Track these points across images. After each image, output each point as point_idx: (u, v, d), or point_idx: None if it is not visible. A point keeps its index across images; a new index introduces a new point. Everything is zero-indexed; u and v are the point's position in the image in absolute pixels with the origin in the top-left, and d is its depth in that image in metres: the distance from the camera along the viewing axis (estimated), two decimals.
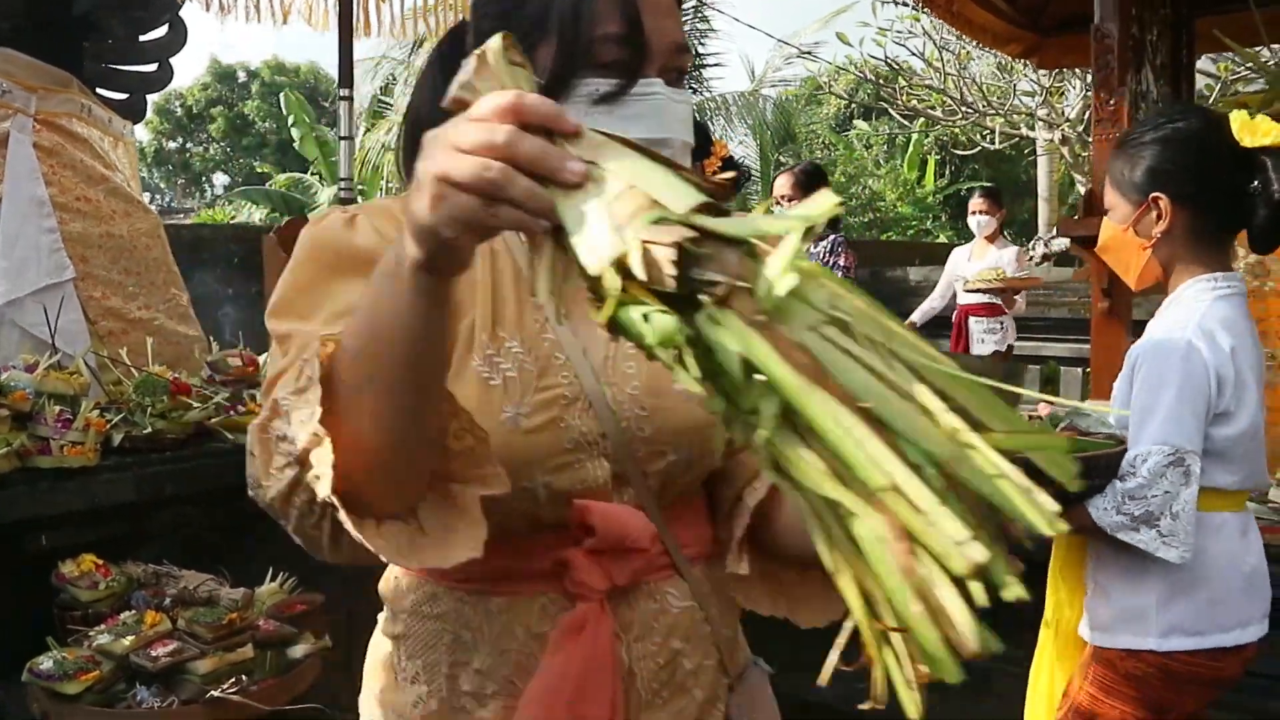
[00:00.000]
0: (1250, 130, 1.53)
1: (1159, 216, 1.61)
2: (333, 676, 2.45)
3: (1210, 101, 4.86)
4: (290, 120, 16.97)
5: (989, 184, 7.04)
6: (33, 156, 2.93)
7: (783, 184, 5.10)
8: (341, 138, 3.01)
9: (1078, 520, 1.53)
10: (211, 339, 3.34)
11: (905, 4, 9.94)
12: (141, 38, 3.44)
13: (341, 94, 2.99)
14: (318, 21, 3.75)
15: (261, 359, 3.17)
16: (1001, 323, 5.46)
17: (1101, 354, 3.50)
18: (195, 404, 2.78)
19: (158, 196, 31.77)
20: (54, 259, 2.90)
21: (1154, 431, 1.52)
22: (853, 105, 16.87)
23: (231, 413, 2.84)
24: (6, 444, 2.38)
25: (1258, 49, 3.98)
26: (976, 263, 5.54)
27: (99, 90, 3.30)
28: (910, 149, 17.04)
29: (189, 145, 31.08)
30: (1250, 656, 1.59)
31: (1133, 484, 1.50)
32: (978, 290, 5.29)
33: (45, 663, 2.09)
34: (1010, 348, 5.54)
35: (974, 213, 5.66)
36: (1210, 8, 3.96)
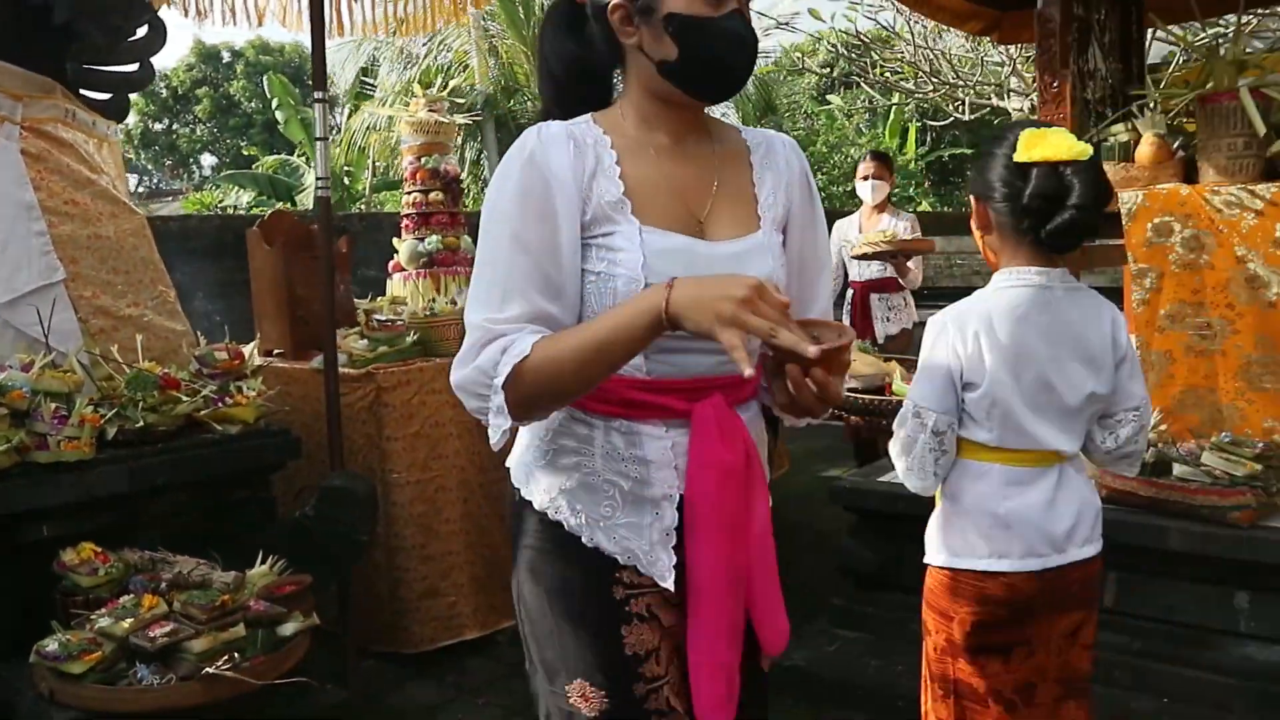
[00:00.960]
0: (1027, 147, 1.75)
1: (977, 214, 1.89)
2: (321, 652, 2.58)
3: (1169, 72, 4.90)
4: (275, 103, 16.84)
5: (880, 149, 6.53)
6: (20, 163, 3.01)
7: None
8: (316, 138, 3.02)
9: None
10: (197, 332, 3.42)
11: None
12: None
13: (316, 96, 3.01)
14: (291, 23, 3.83)
15: (248, 350, 3.26)
16: (905, 299, 5.13)
17: None
18: (184, 397, 2.89)
19: (145, 178, 31.55)
20: (45, 261, 2.99)
21: (910, 389, 1.89)
22: (832, 77, 16.82)
23: (219, 405, 2.95)
24: (6, 440, 2.51)
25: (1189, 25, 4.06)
26: (866, 234, 5.06)
27: (81, 91, 3.35)
28: (891, 117, 17.04)
29: (175, 126, 30.83)
30: (1021, 586, 1.82)
31: (897, 424, 1.88)
32: (865, 256, 4.86)
33: (50, 645, 2.23)
34: (916, 325, 5.05)
35: (864, 177, 5.13)
36: None
